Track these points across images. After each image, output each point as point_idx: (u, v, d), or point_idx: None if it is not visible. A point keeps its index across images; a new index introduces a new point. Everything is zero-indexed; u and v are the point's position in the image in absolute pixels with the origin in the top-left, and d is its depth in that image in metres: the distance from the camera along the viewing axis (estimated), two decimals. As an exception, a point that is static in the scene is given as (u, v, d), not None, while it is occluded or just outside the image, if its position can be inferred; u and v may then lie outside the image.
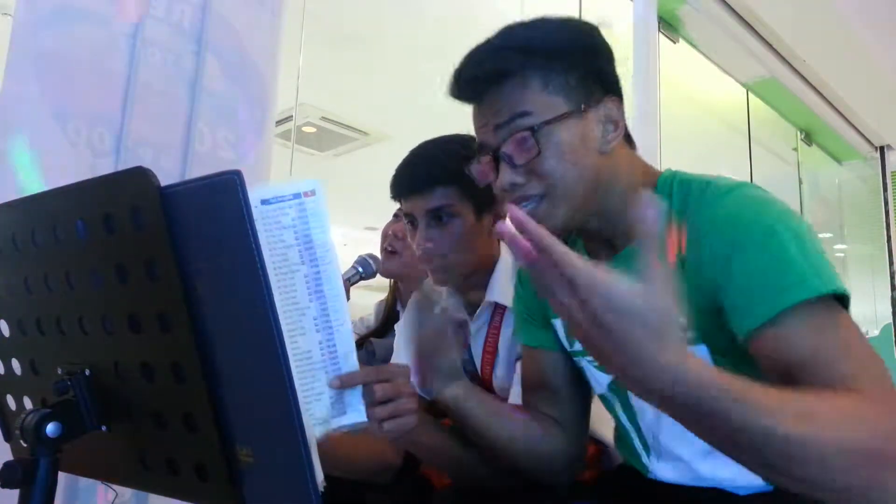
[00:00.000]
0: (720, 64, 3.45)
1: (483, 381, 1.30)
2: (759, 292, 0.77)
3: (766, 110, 4.00)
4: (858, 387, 0.69)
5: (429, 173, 1.20)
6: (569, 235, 1.04)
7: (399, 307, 1.64)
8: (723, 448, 0.64)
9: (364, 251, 1.67)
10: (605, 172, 0.90)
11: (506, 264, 1.26)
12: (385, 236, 1.61)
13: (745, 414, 0.60)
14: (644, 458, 1.00)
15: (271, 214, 0.73)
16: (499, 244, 1.29)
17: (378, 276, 1.66)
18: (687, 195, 0.88)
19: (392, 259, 1.58)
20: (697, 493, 0.94)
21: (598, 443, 1.18)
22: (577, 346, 1.01)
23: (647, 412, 0.96)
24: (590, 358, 1.00)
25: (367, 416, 0.85)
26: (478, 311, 1.27)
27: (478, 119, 0.93)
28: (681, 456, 0.94)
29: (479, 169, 0.95)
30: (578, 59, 0.89)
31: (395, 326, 1.45)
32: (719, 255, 0.81)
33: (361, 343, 1.64)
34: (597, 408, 1.18)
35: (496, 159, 0.89)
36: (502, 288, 1.24)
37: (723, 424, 0.61)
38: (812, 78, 3.73)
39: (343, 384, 0.79)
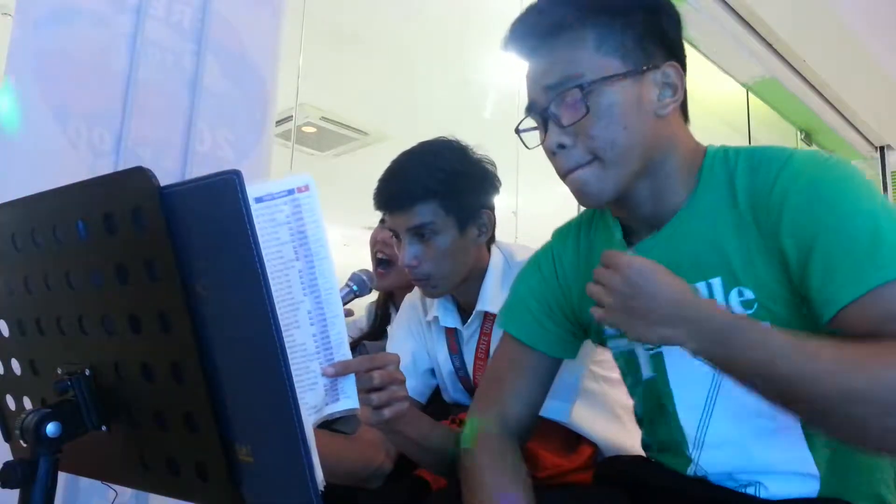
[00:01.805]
0: (720, 64, 3.45)
1: (475, 386, 1.30)
2: (850, 270, 0.76)
3: (766, 110, 4.00)
4: None
5: (408, 191, 1.19)
6: (596, 224, 1.02)
7: (392, 310, 1.63)
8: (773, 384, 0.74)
9: (363, 251, 1.67)
10: (663, 137, 0.88)
11: (496, 271, 1.26)
12: (375, 243, 1.58)
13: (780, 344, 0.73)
14: (688, 448, 0.94)
15: (265, 212, 0.73)
16: (487, 252, 1.29)
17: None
18: (751, 163, 0.86)
19: (386, 274, 1.56)
20: (715, 491, 0.91)
21: (592, 444, 1.19)
22: (613, 331, 0.98)
23: (697, 390, 0.91)
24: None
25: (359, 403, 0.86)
26: (470, 318, 1.28)
27: (529, 75, 0.90)
28: (732, 439, 0.90)
29: (527, 129, 0.93)
30: (639, 19, 0.86)
31: (388, 329, 1.45)
32: (804, 227, 0.80)
33: (354, 345, 1.63)
34: (589, 407, 1.18)
35: (545, 120, 0.88)
36: (492, 296, 1.24)
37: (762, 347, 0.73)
38: (812, 78, 3.73)
39: (337, 372, 0.79)
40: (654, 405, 0.99)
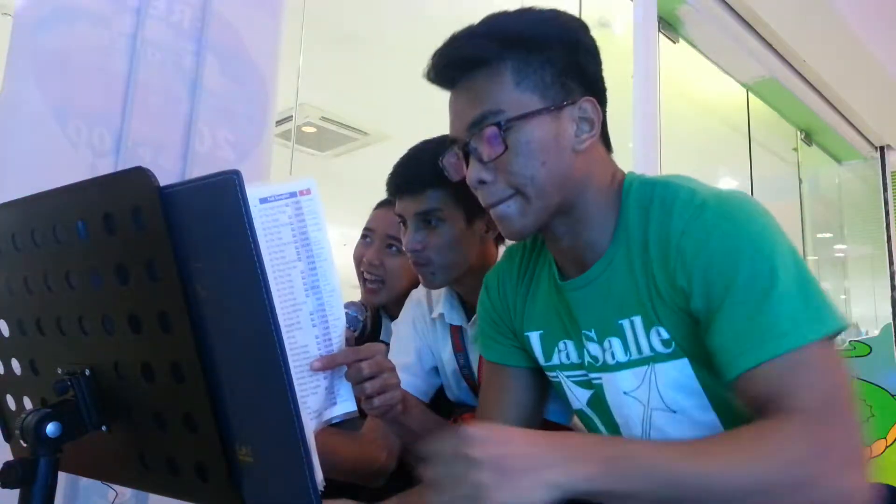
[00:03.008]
0: (720, 64, 3.45)
1: (480, 385, 1.30)
2: (750, 338, 0.75)
3: (766, 110, 4.00)
4: (797, 414, 0.71)
5: (420, 176, 1.19)
6: (542, 252, 1.03)
7: (383, 316, 1.62)
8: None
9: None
10: (580, 172, 0.88)
11: None
12: (359, 263, 1.52)
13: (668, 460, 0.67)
14: None
15: (269, 213, 0.74)
16: (494, 248, 1.29)
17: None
18: (664, 204, 0.85)
19: (377, 293, 1.50)
20: None
21: None
22: (555, 360, 1.00)
23: (632, 425, 0.94)
24: (569, 372, 0.99)
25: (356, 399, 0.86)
26: (475, 316, 1.27)
27: (451, 108, 0.91)
28: None
29: (451, 162, 0.93)
30: (558, 54, 0.86)
31: (392, 325, 1.44)
32: (713, 286, 0.79)
33: None
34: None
35: (467, 154, 0.88)
36: None
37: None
38: (812, 78, 3.73)
39: (325, 365, 0.80)
40: (593, 431, 1.01)
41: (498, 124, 0.84)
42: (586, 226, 0.90)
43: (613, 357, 0.91)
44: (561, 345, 0.98)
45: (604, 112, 0.92)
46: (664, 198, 0.86)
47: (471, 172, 0.87)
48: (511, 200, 0.87)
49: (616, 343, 0.91)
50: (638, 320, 0.88)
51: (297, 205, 0.75)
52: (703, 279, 0.80)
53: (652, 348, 0.88)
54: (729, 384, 0.78)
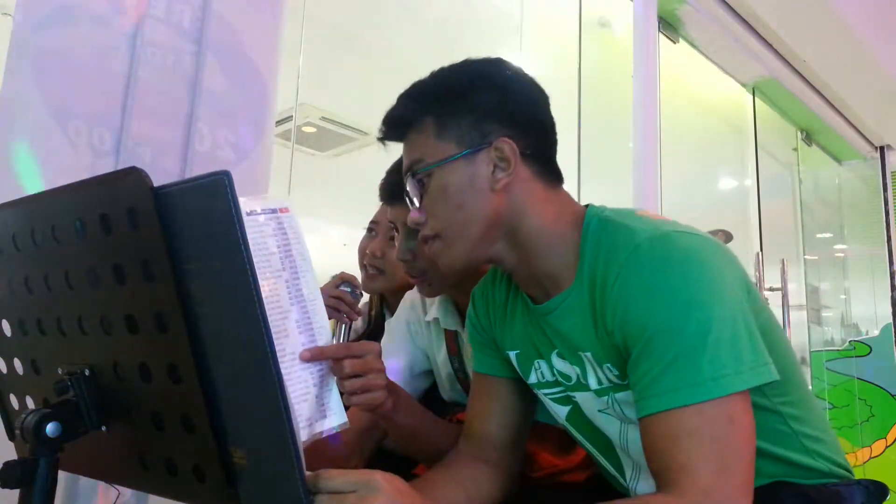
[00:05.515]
0: (720, 64, 3.45)
1: None
2: (663, 382, 0.77)
3: (766, 110, 4.00)
4: (688, 493, 0.72)
5: None
6: (510, 285, 1.05)
7: (386, 311, 1.62)
8: None
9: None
10: (505, 210, 0.90)
11: None
12: (363, 255, 1.55)
13: None
14: (621, 480, 1.00)
15: (255, 224, 0.76)
16: None
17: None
18: (610, 246, 0.86)
19: (376, 279, 1.52)
20: None
21: None
22: (533, 379, 1.02)
23: (611, 439, 0.96)
24: (546, 390, 1.01)
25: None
26: None
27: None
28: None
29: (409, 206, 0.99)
30: (471, 103, 0.92)
31: (386, 324, 1.44)
32: (630, 332, 0.81)
33: None
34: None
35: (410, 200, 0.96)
36: None
37: None
38: (812, 78, 3.72)
39: (313, 357, 0.80)
40: (581, 440, 1.04)
41: (416, 172, 0.92)
42: (537, 258, 0.92)
43: (583, 378, 0.93)
44: (536, 364, 1.01)
45: (550, 146, 0.95)
46: (612, 239, 0.87)
47: (409, 216, 0.96)
48: (433, 242, 0.93)
49: (581, 369, 0.93)
50: (590, 356, 0.90)
51: (278, 220, 0.78)
52: (623, 322, 0.81)
53: (609, 380, 0.89)
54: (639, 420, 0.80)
